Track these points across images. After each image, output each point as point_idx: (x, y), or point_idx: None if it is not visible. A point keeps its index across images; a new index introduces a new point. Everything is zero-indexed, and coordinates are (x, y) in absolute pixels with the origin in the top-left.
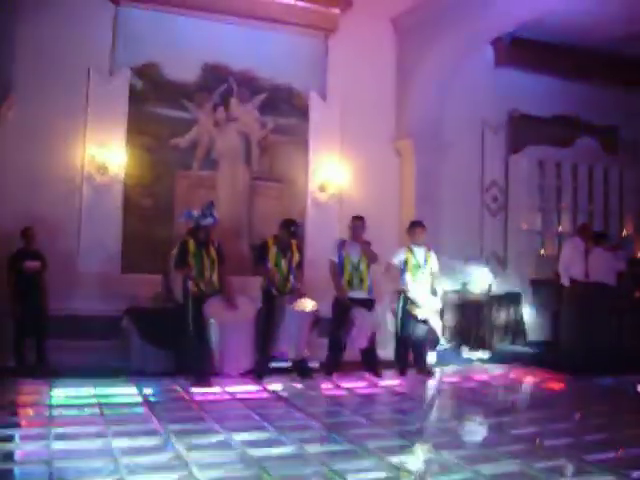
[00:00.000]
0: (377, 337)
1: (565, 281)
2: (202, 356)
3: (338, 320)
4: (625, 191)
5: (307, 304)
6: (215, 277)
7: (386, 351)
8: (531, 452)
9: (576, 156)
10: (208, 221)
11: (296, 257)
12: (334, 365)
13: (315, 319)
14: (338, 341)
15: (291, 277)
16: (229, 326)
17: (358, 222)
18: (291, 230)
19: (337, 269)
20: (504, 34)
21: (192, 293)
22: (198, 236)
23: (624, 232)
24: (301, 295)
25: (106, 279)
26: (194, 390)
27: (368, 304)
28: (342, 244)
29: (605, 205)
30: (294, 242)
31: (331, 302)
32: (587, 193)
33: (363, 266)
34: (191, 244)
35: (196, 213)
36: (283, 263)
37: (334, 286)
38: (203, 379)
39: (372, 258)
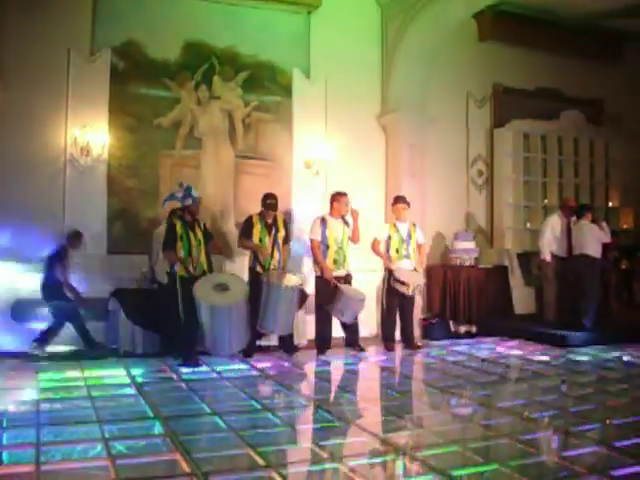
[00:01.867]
0: (362, 313)
1: (547, 257)
2: (190, 337)
3: (323, 297)
4: (610, 163)
5: (291, 279)
6: (203, 257)
7: (373, 327)
8: (518, 425)
9: (561, 129)
10: (187, 202)
11: (282, 233)
12: (325, 342)
13: (302, 295)
14: (327, 317)
15: (276, 253)
16: (219, 308)
17: (344, 198)
18: (266, 202)
19: (321, 248)
20: (487, 7)
21: (180, 275)
22: (184, 217)
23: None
24: (285, 271)
25: (92, 261)
26: (182, 370)
27: (348, 279)
28: (323, 222)
29: (591, 177)
30: (280, 218)
31: (314, 280)
32: (573, 166)
33: (345, 243)
34: (179, 226)
35: (179, 194)
36: (267, 239)
37: (319, 265)
38: (191, 359)
39: (355, 238)
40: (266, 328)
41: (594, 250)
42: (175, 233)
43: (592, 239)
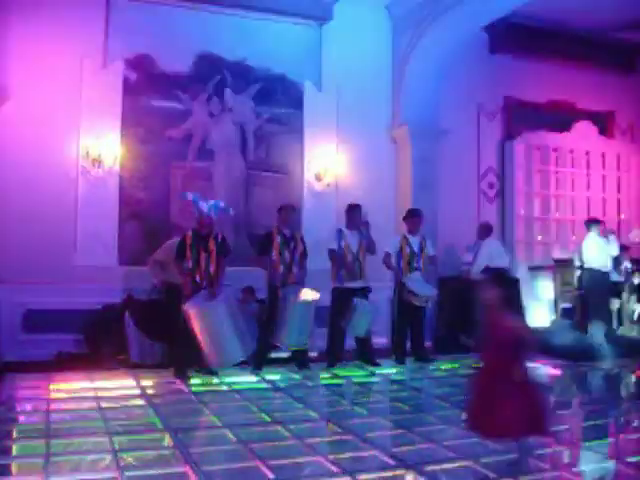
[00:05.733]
0: (373, 326)
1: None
2: (182, 351)
3: (338, 310)
4: (622, 175)
5: (309, 295)
6: (213, 269)
7: (384, 339)
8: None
9: (572, 141)
10: (206, 217)
11: (300, 247)
12: (337, 355)
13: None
14: (340, 331)
15: (294, 268)
16: (207, 312)
17: (357, 210)
18: (280, 215)
19: (337, 258)
20: (498, 20)
21: (185, 287)
22: (199, 230)
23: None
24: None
25: (103, 272)
26: (192, 382)
27: (366, 292)
28: (340, 233)
29: (603, 190)
30: (298, 234)
31: (330, 292)
32: (585, 178)
33: (362, 255)
34: (189, 237)
35: (204, 206)
36: (287, 253)
37: (333, 275)
38: (180, 375)
39: (371, 249)
40: (283, 342)
41: (601, 264)
42: (184, 245)
43: (600, 252)
